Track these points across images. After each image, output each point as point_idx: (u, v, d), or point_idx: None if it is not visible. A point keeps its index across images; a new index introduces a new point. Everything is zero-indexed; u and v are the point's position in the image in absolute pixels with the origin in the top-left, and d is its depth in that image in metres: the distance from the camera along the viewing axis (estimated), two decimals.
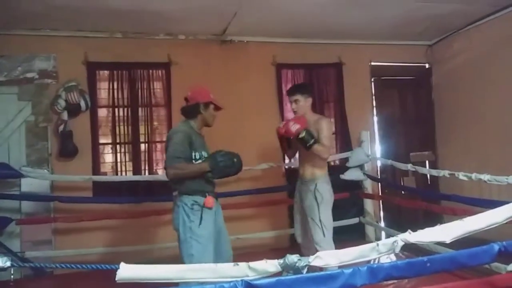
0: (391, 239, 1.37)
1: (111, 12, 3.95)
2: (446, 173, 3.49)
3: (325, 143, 3.03)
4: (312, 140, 2.96)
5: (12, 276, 3.43)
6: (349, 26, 4.78)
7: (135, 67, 4.67)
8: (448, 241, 1.42)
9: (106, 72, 4.65)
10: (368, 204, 4.87)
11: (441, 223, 1.53)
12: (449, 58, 5.35)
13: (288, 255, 1.35)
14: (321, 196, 3.08)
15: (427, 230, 1.43)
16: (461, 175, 3.24)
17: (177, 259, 3.35)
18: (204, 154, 2.71)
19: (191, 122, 2.80)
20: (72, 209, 4.21)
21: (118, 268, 1.35)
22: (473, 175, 3.12)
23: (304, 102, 3.17)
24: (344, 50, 5.29)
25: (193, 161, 2.66)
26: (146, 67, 4.71)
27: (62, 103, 4.26)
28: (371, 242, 1.46)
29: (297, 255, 1.36)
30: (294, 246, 4.70)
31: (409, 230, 1.42)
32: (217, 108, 2.86)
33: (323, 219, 3.04)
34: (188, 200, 2.61)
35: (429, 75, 5.69)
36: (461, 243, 1.52)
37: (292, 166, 5.02)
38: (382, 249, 1.35)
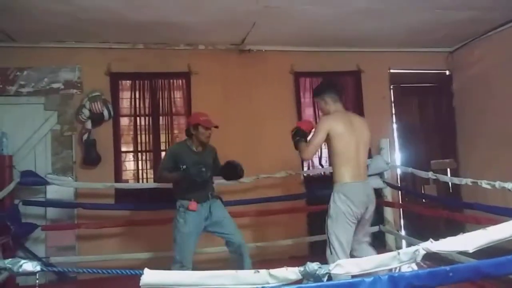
0: (413, 248, 1.36)
1: (133, 25, 4.07)
2: (468, 181, 3.42)
3: (307, 143, 2.87)
4: (297, 138, 2.92)
5: (37, 281, 3.53)
6: (367, 34, 4.77)
7: (156, 77, 4.78)
8: (471, 250, 1.40)
9: (128, 82, 4.77)
10: (388, 213, 4.80)
11: (463, 232, 1.51)
12: (470, 64, 5.27)
13: (308, 263, 1.36)
14: (332, 209, 2.82)
15: (449, 239, 1.41)
16: (484, 183, 3.17)
17: (197, 265, 3.39)
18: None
19: (188, 141, 3.35)
20: (95, 215, 4.31)
21: (142, 273, 1.38)
22: (497, 183, 3.06)
23: (321, 104, 3.06)
24: (363, 58, 5.28)
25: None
26: (167, 76, 4.82)
27: (86, 112, 4.38)
28: (392, 250, 1.45)
29: (318, 263, 1.37)
30: (313, 254, 4.69)
31: (431, 239, 1.41)
32: (207, 127, 3.24)
33: (330, 234, 2.79)
34: (178, 203, 3.24)
35: (449, 82, 5.61)
36: (484, 252, 1.50)
37: (311, 174, 5.02)
38: (403, 258, 1.34)
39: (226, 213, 3.37)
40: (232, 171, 3.35)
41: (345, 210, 2.76)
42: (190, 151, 3.30)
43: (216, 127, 3.30)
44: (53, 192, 4.26)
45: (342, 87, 3.09)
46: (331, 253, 2.75)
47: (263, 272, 1.37)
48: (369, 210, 2.89)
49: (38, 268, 1.46)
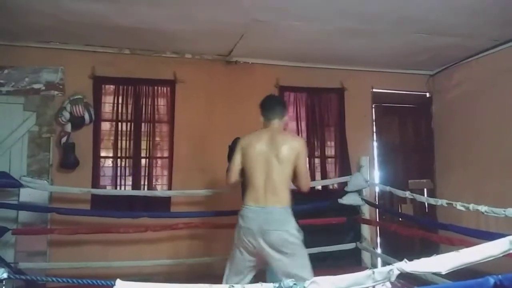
0: (387, 268, 1.38)
1: (120, 29, 4.05)
2: (444, 202, 3.49)
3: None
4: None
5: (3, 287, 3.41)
6: (352, 53, 4.88)
7: (140, 83, 4.75)
8: (443, 272, 1.42)
9: (112, 87, 4.72)
10: (365, 230, 4.85)
11: (437, 252, 1.54)
12: (449, 88, 5.44)
13: (284, 279, 1.36)
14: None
15: (423, 260, 1.43)
16: (459, 205, 3.24)
17: (171, 277, 3.33)
18: None
19: None
20: (69, 221, 4.20)
21: (114, 284, 1.35)
22: (471, 206, 3.13)
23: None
24: (347, 76, 5.38)
25: None
26: (151, 83, 4.79)
27: (66, 115, 4.31)
28: (367, 268, 1.47)
29: (293, 279, 1.37)
30: None
31: (405, 259, 1.43)
32: None
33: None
34: None
35: (429, 104, 5.76)
36: (458, 273, 1.53)
37: (293, 187, 5.04)
38: (377, 277, 1.35)
39: None
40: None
41: (236, 235, 2.55)
42: None
43: None
44: (26, 195, 4.13)
45: (274, 103, 2.76)
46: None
47: (237, 287, 1.36)
48: (271, 241, 2.40)
49: (4, 275, 1.42)
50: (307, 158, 2.65)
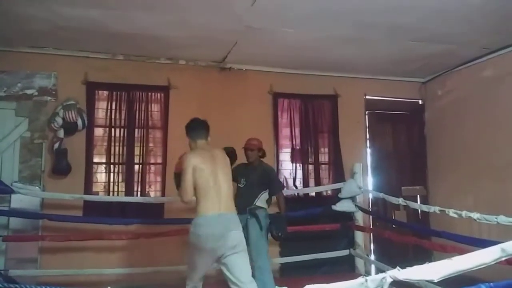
0: (380, 275, 1.38)
1: (114, 35, 4.05)
2: (436, 209, 3.51)
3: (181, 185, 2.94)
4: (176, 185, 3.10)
5: None
6: (346, 60, 4.91)
7: (134, 89, 4.74)
8: (436, 280, 1.42)
9: (105, 93, 4.70)
10: (359, 236, 4.86)
11: (430, 258, 1.55)
12: (441, 95, 5.49)
13: (277, 287, 1.36)
14: (189, 239, 2.88)
15: (416, 268, 1.43)
16: (452, 212, 3.26)
17: (164, 284, 3.30)
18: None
19: None
20: (61, 227, 4.16)
21: None
22: (463, 213, 3.15)
23: (189, 142, 3.19)
24: (340, 83, 5.41)
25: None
26: (145, 89, 4.78)
27: (59, 121, 4.28)
28: (361, 275, 1.47)
29: (286, 287, 1.37)
30: (284, 276, 4.66)
31: (398, 267, 1.43)
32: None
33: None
34: None
35: (422, 111, 5.81)
36: (451, 280, 1.53)
37: (285, 194, 5.03)
38: (370, 285, 1.35)
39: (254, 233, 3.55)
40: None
41: (195, 244, 2.81)
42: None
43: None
44: (18, 201, 4.09)
45: (203, 125, 3.16)
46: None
47: None
48: (227, 243, 2.76)
49: None
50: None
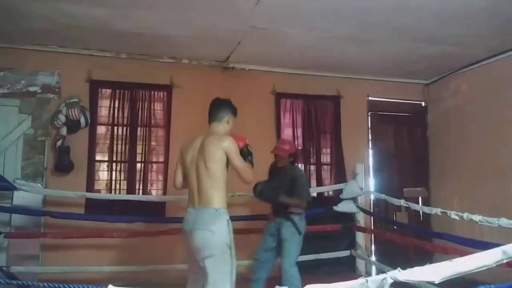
0: (381, 276, 1.38)
1: (117, 34, 4.06)
2: (438, 211, 3.51)
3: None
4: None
5: None
6: (349, 61, 4.91)
7: (137, 87, 4.75)
8: (437, 281, 1.42)
9: (109, 91, 4.72)
10: (360, 237, 4.86)
11: (432, 260, 1.55)
12: (444, 98, 5.48)
13: (277, 286, 1.36)
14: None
15: (417, 269, 1.43)
16: (453, 214, 3.25)
17: (166, 282, 3.30)
18: None
19: None
20: (63, 225, 4.17)
21: None
22: (465, 215, 3.14)
23: None
24: (343, 84, 5.41)
25: None
26: (148, 88, 4.79)
27: (62, 118, 4.29)
28: (362, 276, 1.47)
29: (286, 287, 1.37)
30: (280, 276, 4.66)
31: (399, 268, 1.43)
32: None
33: None
34: None
35: (424, 113, 5.80)
36: (452, 282, 1.53)
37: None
38: (371, 286, 1.35)
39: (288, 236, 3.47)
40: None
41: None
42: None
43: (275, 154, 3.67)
44: (20, 198, 4.10)
45: (213, 106, 2.80)
46: None
47: None
48: (193, 244, 2.45)
49: None
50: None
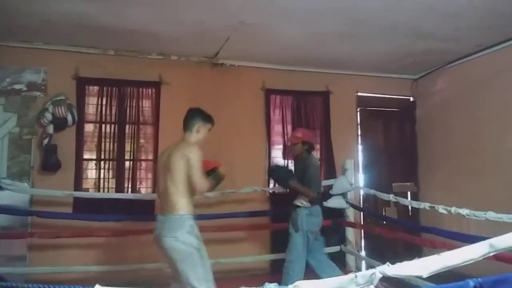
0: (370, 271, 1.38)
1: (104, 30, 4.00)
2: (426, 205, 3.54)
3: None
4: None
5: None
6: (338, 57, 4.92)
7: (125, 84, 4.69)
8: (425, 275, 1.43)
9: (96, 88, 4.65)
10: (350, 233, 4.88)
11: (420, 254, 1.56)
12: (432, 93, 5.53)
13: (267, 283, 1.35)
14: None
15: (405, 263, 1.44)
16: (441, 208, 3.28)
17: (155, 282, 3.28)
18: None
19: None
20: (51, 224, 4.11)
21: None
22: (453, 209, 3.18)
23: None
24: (332, 80, 5.42)
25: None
26: (136, 85, 4.74)
27: (48, 116, 4.23)
28: (352, 271, 1.47)
29: (276, 283, 1.36)
30: (275, 272, 4.68)
31: (388, 263, 1.43)
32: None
33: None
34: None
35: (413, 108, 5.84)
36: (441, 275, 1.55)
37: (277, 191, 5.04)
38: (360, 281, 1.36)
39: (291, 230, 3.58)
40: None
41: None
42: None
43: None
44: (6, 197, 4.01)
45: (186, 117, 2.90)
46: None
47: None
48: (162, 250, 2.61)
49: None
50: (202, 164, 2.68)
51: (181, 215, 2.60)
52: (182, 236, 2.54)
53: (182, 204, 2.62)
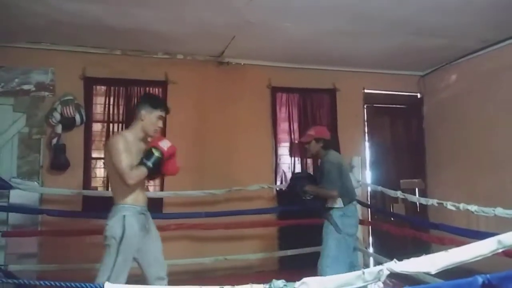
0: (377, 268, 1.39)
1: (111, 30, 4.02)
2: (434, 202, 3.52)
3: None
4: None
5: None
6: (344, 54, 4.90)
7: (132, 84, 4.72)
8: (433, 272, 1.43)
9: (103, 88, 4.69)
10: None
11: (429, 251, 1.56)
12: (440, 89, 5.49)
13: (274, 280, 1.36)
14: None
15: (413, 260, 1.44)
16: (449, 205, 3.27)
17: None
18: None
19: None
20: (60, 223, 4.17)
21: (102, 286, 1.34)
22: (461, 205, 3.16)
23: None
24: (339, 77, 5.40)
25: None
26: (143, 84, 4.76)
27: (57, 116, 4.27)
28: (359, 267, 1.48)
29: (283, 280, 1.37)
30: (282, 269, 4.69)
31: (395, 259, 1.44)
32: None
33: None
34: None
35: (420, 104, 5.81)
36: (449, 271, 1.54)
37: (284, 188, 5.04)
38: (367, 278, 1.36)
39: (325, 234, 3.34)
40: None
41: None
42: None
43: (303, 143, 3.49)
44: (16, 196, 4.08)
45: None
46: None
47: None
48: None
49: None
50: (126, 154, 2.43)
51: (118, 204, 2.56)
52: (112, 224, 2.50)
53: (120, 193, 2.54)
